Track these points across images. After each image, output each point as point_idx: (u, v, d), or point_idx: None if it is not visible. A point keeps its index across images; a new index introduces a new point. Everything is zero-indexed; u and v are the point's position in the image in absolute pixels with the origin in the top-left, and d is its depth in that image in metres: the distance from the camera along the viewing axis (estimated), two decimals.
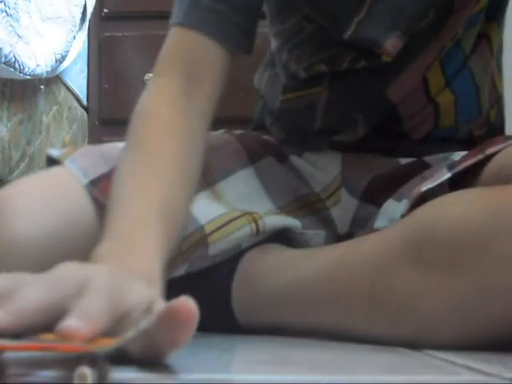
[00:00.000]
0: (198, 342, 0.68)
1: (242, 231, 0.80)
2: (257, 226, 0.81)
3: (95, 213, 0.76)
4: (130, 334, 0.42)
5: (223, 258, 0.80)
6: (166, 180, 0.66)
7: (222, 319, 0.78)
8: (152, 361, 0.45)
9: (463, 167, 0.74)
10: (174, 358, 0.54)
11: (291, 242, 0.84)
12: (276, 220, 0.84)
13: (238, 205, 0.83)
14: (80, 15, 1.56)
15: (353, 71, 0.87)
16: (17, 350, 0.41)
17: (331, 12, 0.85)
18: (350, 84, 0.89)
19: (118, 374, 0.42)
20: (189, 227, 0.77)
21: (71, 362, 0.39)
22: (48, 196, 0.76)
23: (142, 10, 1.85)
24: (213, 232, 0.78)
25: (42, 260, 0.74)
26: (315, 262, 0.73)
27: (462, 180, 0.74)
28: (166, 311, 0.42)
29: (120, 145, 0.84)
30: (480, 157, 0.74)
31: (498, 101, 0.95)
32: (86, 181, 0.77)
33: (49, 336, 0.41)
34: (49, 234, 0.74)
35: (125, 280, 0.48)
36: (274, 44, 0.94)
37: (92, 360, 0.38)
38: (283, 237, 0.84)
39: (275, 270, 0.77)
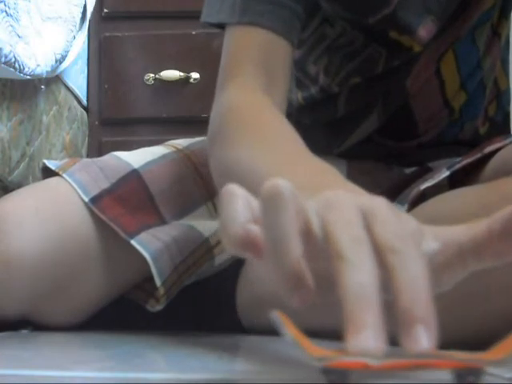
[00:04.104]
0: (198, 342, 0.68)
1: None
2: None
3: (94, 230, 0.75)
4: None
5: (228, 264, 0.80)
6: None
7: (226, 321, 0.78)
8: None
9: (461, 165, 0.74)
10: (173, 358, 0.54)
11: None
12: None
13: None
14: (80, 15, 1.55)
15: None
16: (383, 370, 0.34)
17: None
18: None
19: (119, 374, 0.42)
20: (194, 241, 0.77)
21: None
22: (45, 212, 0.75)
23: (141, 10, 1.84)
24: (218, 243, 0.79)
25: (35, 277, 0.73)
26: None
27: (462, 181, 0.74)
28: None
29: (119, 154, 0.83)
30: (478, 155, 0.74)
31: (497, 96, 0.95)
32: (86, 198, 0.76)
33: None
34: (43, 251, 0.73)
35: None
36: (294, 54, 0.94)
37: (474, 372, 0.36)
38: None
39: None
